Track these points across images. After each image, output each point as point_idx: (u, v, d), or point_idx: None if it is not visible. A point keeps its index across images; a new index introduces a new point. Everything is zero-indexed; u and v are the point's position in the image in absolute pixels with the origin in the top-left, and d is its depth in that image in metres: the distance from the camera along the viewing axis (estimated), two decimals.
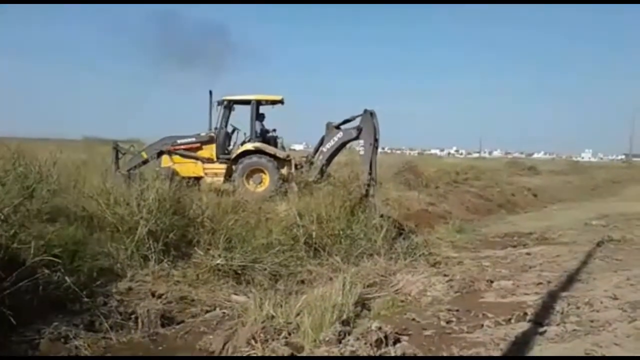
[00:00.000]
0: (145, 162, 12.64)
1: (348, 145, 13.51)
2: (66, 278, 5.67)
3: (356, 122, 12.59)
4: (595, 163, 70.91)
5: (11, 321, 4.92)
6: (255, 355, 4.84)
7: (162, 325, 6.14)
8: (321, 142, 12.97)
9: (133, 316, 6.06)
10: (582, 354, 3.99)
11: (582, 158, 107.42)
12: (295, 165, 13.13)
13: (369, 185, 11.62)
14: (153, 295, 6.59)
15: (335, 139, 12.75)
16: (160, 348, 5.72)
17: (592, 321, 4.81)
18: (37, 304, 5.44)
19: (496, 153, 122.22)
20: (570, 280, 6.78)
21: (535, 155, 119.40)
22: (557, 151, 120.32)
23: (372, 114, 12.30)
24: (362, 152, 12.53)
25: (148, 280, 6.90)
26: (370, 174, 11.82)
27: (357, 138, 12.57)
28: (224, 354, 5.26)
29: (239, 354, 4.97)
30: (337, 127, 12.81)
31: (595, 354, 3.96)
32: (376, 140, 12.26)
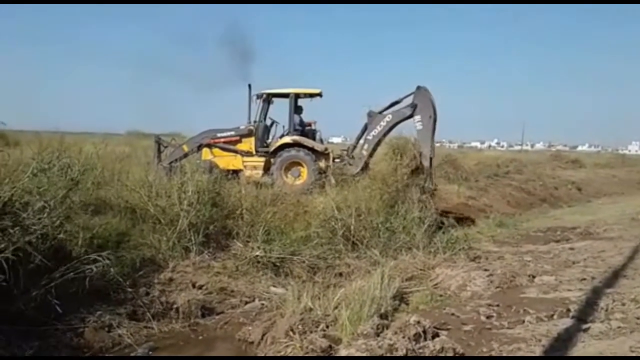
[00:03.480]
0: (186, 155, 12.82)
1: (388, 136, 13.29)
2: (111, 268, 5.82)
3: (407, 102, 12.18)
4: None
5: (58, 310, 5.10)
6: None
7: (203, 316, 6.28)
8: (363, 132, 12.86)
9: (174, 306, 6.21)
10: (627, 351, 3.88)
11: (629, 150, 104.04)
12: (333, 159, 13.12)
13: (428, 176, 11.45)
14: (194, 285, 6.73)
15: (383, 123, 12.37)
16: (200, 338, 5.84)
17: (637, 318, 4.67)
18: (82, 293, 5.61)
19: (539, 146, 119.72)
20: (615, 276, 6.59)
21: (580, 148, 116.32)
22: (603, 143, 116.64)
23: (426, 89, 11.94)
24: (419, 127, 11.87)
25: (189, 271, 7.04)
26: (431, 159, 11.53)
27: (411, 116, 12.04)
28: (262, 345, 5.33)
29: (277, 345, 5.02)
30: (380, 113, 12.66)
31: None
32: (435, 114, 11.79)
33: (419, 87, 12.05)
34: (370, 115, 12.65)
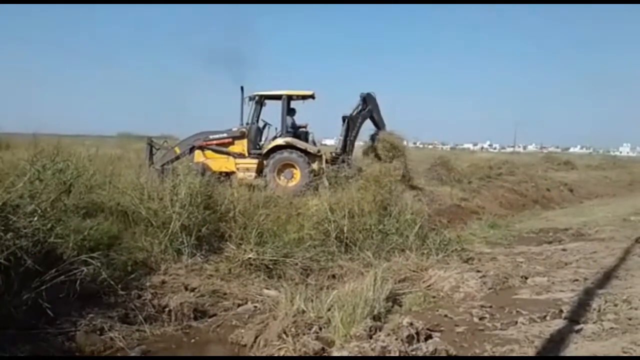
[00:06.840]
0: (178, 157, 12.81)
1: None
2: (102, 271, 5.77)
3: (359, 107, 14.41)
4: (634, 157, 68.83)
5: (49, 313, 5.06)
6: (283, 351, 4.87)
7: (195, 319, 6.23)
8: (345, 135, 13.69)
9: (166, 309, 6.16)
10: (620, 352, 3.89)
11: (620, 152, 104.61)
12: (326, 160, 13.14)
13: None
14: (186, 288, 6.69)
15: (358, 125, 14.24)
16: (192, 341, 5.80)
17: (629, 319, 4.69)
18: (73, 296, 5.56)
19: (531, 147, 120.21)
20: (607, 277, 6.62)
21: (572, 150, 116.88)
22: (594, 145, 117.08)
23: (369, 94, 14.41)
24: (377, 117, 14.66)
25: (181, 273, 7.00)
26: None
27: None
28: (255, 348, 5.31)
29: (270, 347, 5.00)
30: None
31: (633, 353, 3.86)
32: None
33: (368, 94, 14.30)
34: (352, 119, 13.62)
